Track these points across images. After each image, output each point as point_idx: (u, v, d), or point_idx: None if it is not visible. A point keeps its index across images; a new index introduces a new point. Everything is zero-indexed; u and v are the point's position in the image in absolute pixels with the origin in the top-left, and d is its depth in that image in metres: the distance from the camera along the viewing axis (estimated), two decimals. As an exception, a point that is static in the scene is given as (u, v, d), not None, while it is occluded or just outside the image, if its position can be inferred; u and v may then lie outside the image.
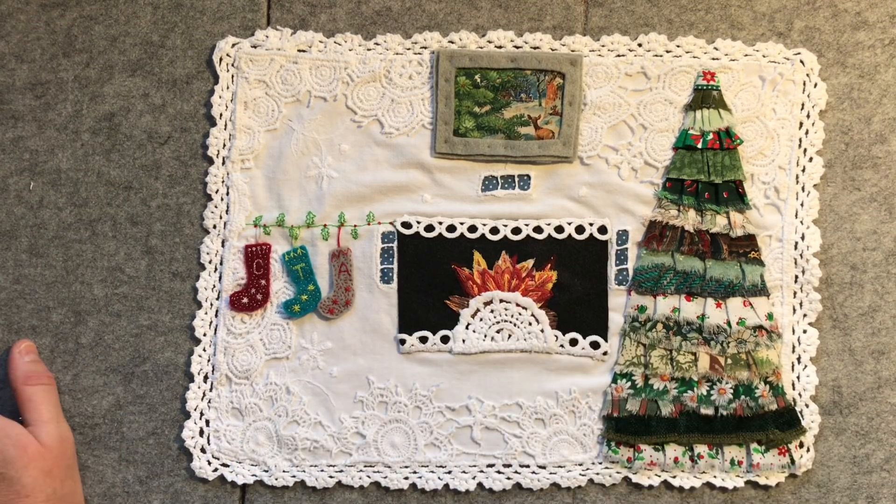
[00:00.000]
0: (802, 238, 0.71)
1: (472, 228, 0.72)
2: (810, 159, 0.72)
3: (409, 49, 0.73)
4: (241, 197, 0.72)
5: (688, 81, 0.71)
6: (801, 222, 0.71)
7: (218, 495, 0.71)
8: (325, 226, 0.72)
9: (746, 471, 0.69)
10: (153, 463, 0.71)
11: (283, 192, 0.72)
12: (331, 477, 0.70)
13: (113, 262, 0.72)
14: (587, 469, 0.70)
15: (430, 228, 0.72)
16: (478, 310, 0.71)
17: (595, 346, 0.71)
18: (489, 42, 0.72)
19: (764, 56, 0.72)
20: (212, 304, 0.72)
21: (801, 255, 0.71)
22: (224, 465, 0.71)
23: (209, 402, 0.71)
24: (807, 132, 0.72)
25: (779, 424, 0.69)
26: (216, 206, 0.72)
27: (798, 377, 0.70)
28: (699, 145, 0.70)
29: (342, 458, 0.70)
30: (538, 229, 0.71)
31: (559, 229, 0.71)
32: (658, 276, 0.70)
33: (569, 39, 0.72)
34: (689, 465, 0.69)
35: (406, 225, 0.72)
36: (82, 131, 0.73)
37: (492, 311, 0.71)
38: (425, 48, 0.72)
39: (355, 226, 0.72)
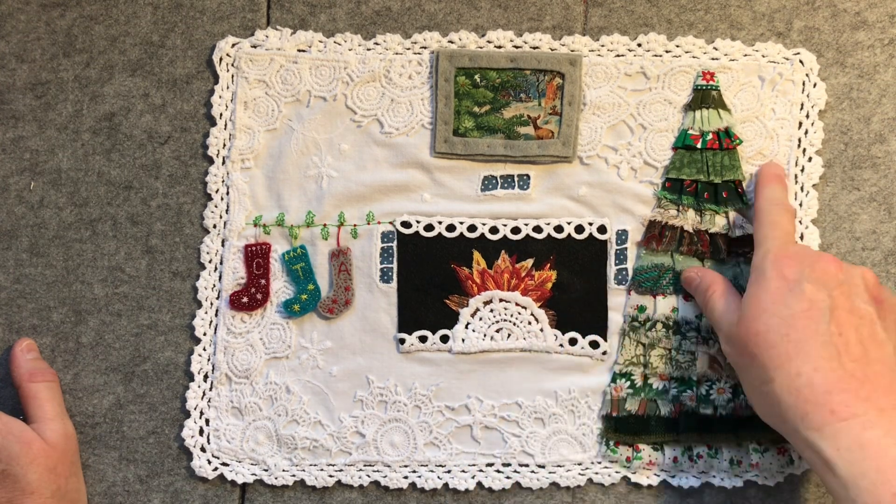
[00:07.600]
0: (801, 238, 0.71)
1: (472, 228, 0.72)
2: (809, 159, 0.71)
3: (408, 49, 0.73)
4: (241, 196, 0.72)
5: (687, 81, 0.71)
6: (800, 222, 0.71)
7: (218, 494, 0.71)
8: (324, 225, 0.72)
9: (746, 471, 0.69)
10: (153, 462, 0.71)
11: (282, 191, 0.72)
12: (330, 476, 0.70)
13: (113, 261, 0.72)
14: (586, 468, 0.70)
15: (429, 228, 0.72)
16: (477, 309, 0.71)
17: (594, 345, 0.71)
18: (489, 42, 0.72)
19: (763, 56, 0.72)
20: (212, 304, 0.72)
21: (800, 255, 0.70)
22: (224, 464, 0.71)
23: (209, 401, 0.71)
24: (806, 132, 0.72)
25: (778, 424, 0.69)
26: (216, 206, 0.72)
27: (797, 377, 0.70)
28: (698, 145, 0.70)
29: (342, 457, 0.71)
30: (538, 229, 0.71)
31: (559, 229, 0.71)
32: (657, 275, 0.70)
33: (568, 39, 0.72)
34: (688, 464, 0.69)
35: (406, 224, 0.72)
36: (82, 131, 0.73)
37: (491, 311, 0.71)
38: (425, 48, 0.72)
39: (355, 225, 0.72)
